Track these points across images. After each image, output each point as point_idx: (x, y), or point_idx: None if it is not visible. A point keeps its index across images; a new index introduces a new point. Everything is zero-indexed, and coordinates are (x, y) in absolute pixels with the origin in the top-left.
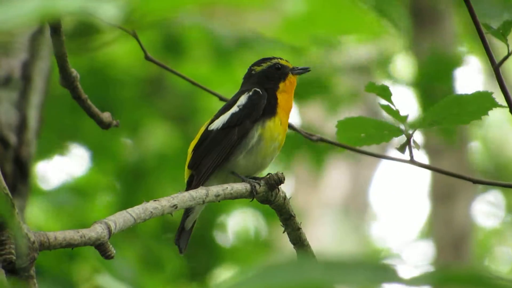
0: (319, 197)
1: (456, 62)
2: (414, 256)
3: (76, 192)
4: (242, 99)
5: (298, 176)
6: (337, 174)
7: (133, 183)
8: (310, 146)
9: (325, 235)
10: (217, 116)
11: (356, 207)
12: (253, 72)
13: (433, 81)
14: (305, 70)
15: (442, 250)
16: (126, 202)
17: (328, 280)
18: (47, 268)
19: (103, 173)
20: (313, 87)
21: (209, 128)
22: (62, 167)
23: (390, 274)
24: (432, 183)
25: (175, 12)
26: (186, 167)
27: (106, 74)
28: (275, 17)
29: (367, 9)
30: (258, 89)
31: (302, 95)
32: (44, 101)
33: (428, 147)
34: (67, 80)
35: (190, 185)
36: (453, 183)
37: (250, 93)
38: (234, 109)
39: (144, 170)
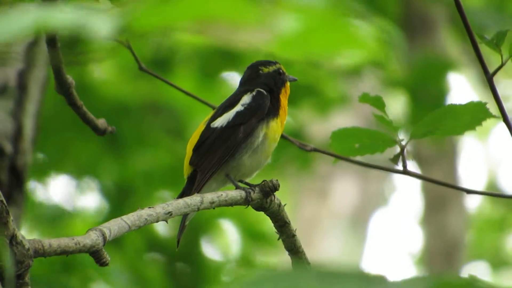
0: (327, 208)
1: (448, 66)
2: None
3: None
4: (246, 99)
5: (306, 187)
6: (345, 185)
7: (120, 202)
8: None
9: (333, 247)
10: (218, 114)
11: (364, 219)
12: (260, 72)
13: (424, 85)
14: (294, 79)
15: (434, 259)
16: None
17: None
18: (42, 276)
19: (91, 193)
20: (303, 91)
21: (211, 126)
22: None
23: (381, 284)
24: (424, 193)
25: (170, 27)
26: (186, 163)
27: (95, 90)
28: (269, 35)
29: (361, 25)
30: (261, 90)
31: (292, 99)
32: (40, 110)
33: (419, 157)
34: (62, 86)
35: (191, 181)
36: (444, 192)
37: (254, 93)
38: (239, 107)
39: (131, 188)
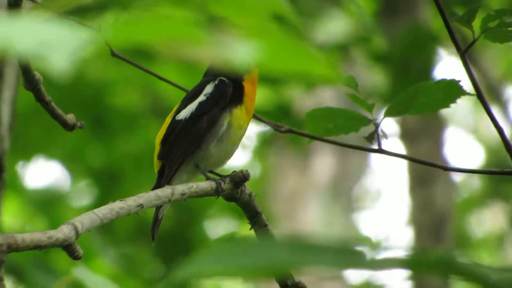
0: (308, 180)
1: (434, 38)
2: (399, 242)
3: (51, 196)
4: (208, 88)
5: (286, 159)
6: (325, 157)
7: (109, 186)
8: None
9: (314, 219)
10: (183, 106)
11: (345, 191)
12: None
13: (409, 59)
14: None
15: (421, 234)
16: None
17: (293, 262)
18: (26, 260)
19: (78, 178)
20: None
21: (176, 118)
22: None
23: (357, 257)
24: (410, 168)
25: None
26: (155, 158)
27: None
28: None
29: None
30: (223, 78)
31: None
32: (15, 96)
33: (404, 133)
34: (30, 83)
35: (162, 176)
36: (431, 167)
37: (216, 82)
38: (201, 98)
39: (120, 172)
